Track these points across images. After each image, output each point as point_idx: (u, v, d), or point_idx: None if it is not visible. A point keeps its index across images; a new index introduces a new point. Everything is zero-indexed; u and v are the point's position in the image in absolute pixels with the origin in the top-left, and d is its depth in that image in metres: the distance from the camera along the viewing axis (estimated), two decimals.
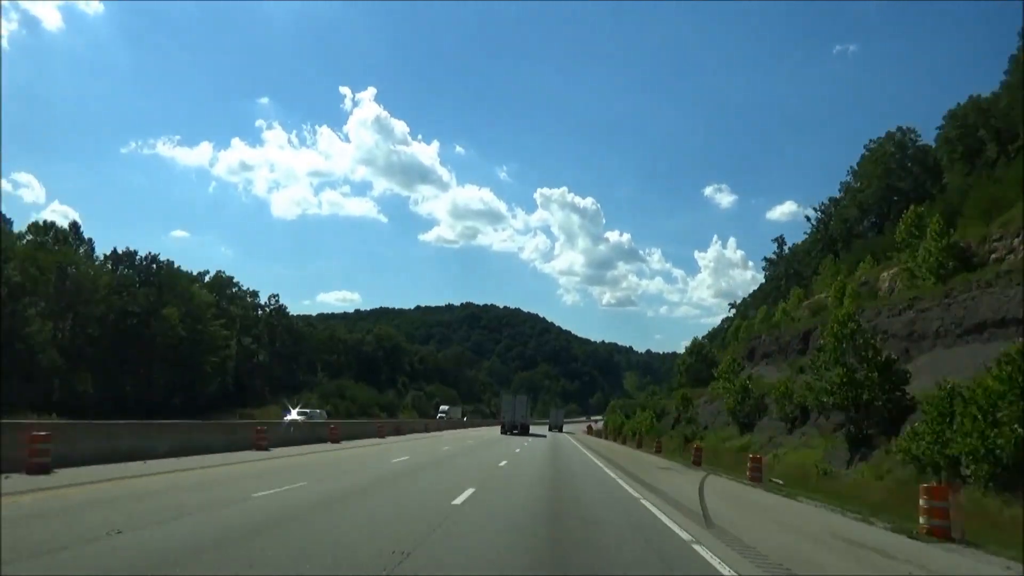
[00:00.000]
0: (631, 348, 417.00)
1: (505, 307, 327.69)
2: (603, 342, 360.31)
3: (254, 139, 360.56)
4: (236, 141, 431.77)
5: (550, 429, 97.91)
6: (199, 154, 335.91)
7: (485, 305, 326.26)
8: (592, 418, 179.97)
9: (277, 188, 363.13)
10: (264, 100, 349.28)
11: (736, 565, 8.25)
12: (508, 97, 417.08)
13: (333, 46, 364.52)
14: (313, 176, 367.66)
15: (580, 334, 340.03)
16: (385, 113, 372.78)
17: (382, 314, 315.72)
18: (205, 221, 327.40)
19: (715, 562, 8.41)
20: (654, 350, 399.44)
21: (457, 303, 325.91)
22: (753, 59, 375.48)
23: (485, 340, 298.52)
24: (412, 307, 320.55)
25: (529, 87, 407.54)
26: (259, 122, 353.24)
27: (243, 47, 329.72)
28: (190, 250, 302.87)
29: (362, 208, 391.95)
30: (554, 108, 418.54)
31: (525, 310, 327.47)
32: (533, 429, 74.80)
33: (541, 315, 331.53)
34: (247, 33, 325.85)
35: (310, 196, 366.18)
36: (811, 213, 76.19)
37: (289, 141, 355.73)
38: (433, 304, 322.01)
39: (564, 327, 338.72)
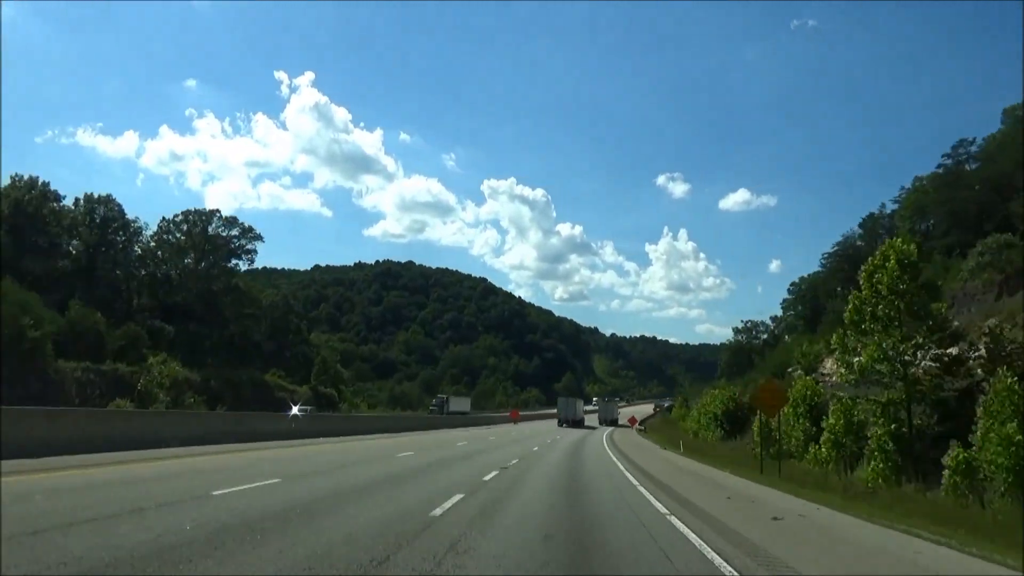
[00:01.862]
0: (596, 329, 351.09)
1: (438, 268, 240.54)
2: (567, 319, 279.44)
3: (184, 127, 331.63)
4: (164, 129, 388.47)
5: (601, 422, 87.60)
6: (124, 144, 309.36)
7: (407, 262, 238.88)
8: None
9: (212, 180, 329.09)
10: (191, 83, 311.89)
11: None
12: (452, 81, 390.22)
13: (266, 28, 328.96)
14: (250, 167, 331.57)
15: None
16: (325, 99, 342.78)
17: (259, 275, 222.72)
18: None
19: None
20: (620, 333, 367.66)
21: (371, 261, 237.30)
22: (708, 40, 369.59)
23: (405, 304, 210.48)
24: (309, 267, 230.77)
25: (473, 70, 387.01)
26: (189, 110, 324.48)
27: (166, 26, 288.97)
28: None
29: (304, 201, 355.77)
30: (500, 92, 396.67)
31: (463, 271, 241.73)
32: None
33: (483, 276, 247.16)
34: (170, 10, 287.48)
35: (248, 188, 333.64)
36: None
37: (223, 129, 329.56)
38: (336, 263, 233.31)
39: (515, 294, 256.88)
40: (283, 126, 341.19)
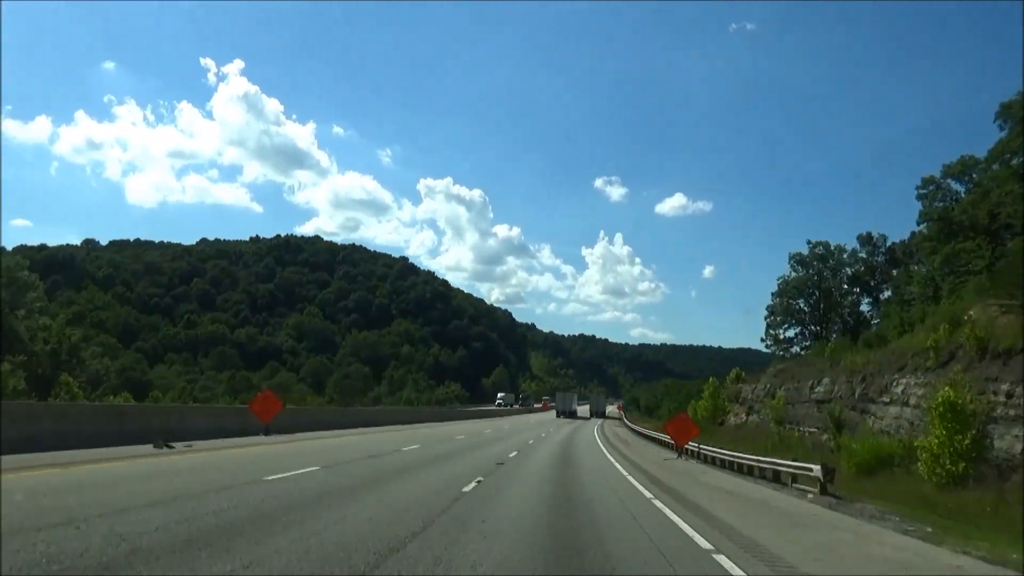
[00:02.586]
0: (533, 326, 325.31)
1: (348, 244, 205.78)
2: (502, 309, 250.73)
3: (102, 114, 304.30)
4: (80, 115, 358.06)
5: (592, 414, 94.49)
6: (36, 129, 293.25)
7: (311, 236, 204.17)
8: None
9: (133, 171, 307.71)
10: (109, 66, 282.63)
11: None
12: (388, 74, 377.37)
13: (191, 11, 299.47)
14: (174, 158, 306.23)
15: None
16: (255, 88, 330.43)
17: (126, 247, 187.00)
18: (49, 208, 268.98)
19: None
20: (559, 331, 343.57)
21: (270, 235, 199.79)
22: (647, 43, 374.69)
23: (303, 282, 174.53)
24: (195, 240, 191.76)
25: (411, 65, 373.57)
26: (108, 96, 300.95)
27: (80, 2, 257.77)
28: (34, 242, 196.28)
29: (233, 195, 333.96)
30: (438, 89, 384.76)
31: (380, 252, 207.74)
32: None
33: (403, 256, 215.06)
34: None
35: (172, 181, 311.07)
36: None
37: (144, 117, 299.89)
38: (230, 237, 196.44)
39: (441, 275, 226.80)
40: (210, 116, 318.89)
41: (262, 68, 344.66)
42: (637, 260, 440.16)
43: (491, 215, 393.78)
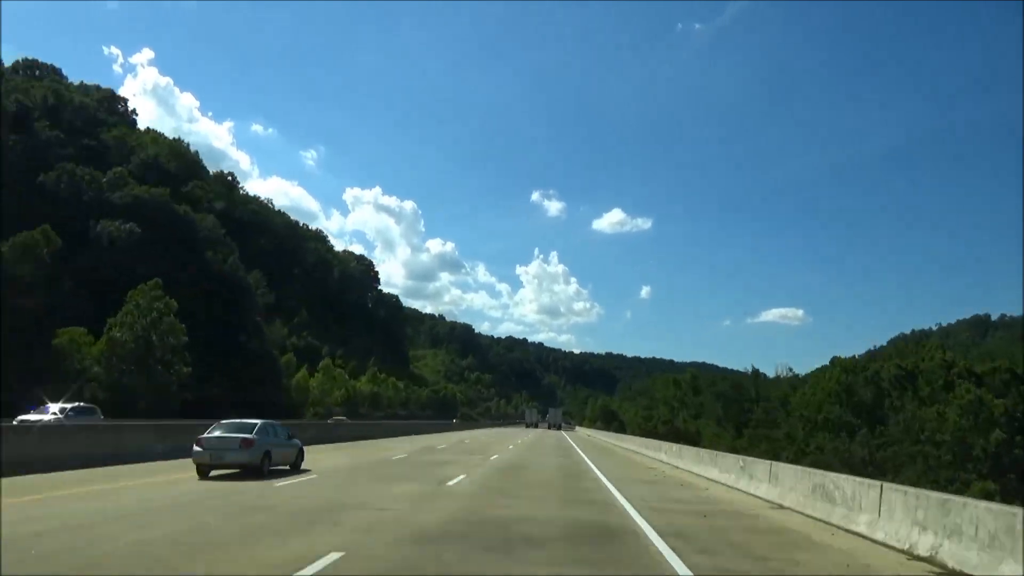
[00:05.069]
0: (441, 317, 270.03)
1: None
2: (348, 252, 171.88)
3: None
4: None
5: (549, 427, 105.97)
6: None
7: None
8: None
9: None
10: None
11: None
12: (313, 71, 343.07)
13: None
14: None
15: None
16: (167, 80, 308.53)
17: None
18: None
19: None
20: (484, 330, 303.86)
21: None
22: (589, 51, 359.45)
23: None
24: None
25: (336, 61, 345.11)
26: None
27: None
28: None
29: None
30: (368, 91, 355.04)
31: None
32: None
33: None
34: None
35: None
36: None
37: None
38: None
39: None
40: None
41: (174, 59, 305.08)
42: (573, 279, 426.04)
43: (423, 229, 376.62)
